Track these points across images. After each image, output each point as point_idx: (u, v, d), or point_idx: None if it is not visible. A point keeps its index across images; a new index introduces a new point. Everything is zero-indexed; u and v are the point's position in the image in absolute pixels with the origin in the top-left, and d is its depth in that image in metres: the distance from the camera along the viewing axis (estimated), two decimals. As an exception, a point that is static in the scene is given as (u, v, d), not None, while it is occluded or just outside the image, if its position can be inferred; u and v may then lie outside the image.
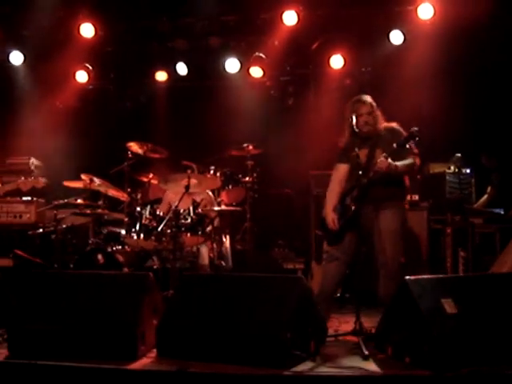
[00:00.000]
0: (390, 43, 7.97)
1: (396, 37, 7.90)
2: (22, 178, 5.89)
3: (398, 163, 4.83)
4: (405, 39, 7.87)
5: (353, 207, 4.89)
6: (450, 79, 7.80)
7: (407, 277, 4.18)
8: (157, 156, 7.29)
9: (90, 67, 8.91)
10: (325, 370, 3.91)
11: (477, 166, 7.36)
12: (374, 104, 5.19)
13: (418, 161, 5.10)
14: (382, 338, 4.31)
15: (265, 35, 8.38)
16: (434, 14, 7.47)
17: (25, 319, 4.38)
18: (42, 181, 5.97)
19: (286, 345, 3.88)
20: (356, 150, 4.89)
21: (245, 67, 8.65)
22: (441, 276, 5.38)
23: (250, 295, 4.22)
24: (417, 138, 4.80)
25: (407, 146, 4.86)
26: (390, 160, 4.74)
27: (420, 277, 4.25)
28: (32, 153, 8.49)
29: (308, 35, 8.33)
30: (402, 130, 5.14)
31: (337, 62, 8.39)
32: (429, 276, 4.63)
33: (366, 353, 4.16)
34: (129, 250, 6.52)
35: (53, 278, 4.76)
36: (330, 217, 5.08)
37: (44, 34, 8.48)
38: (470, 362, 3.71)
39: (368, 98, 5.20)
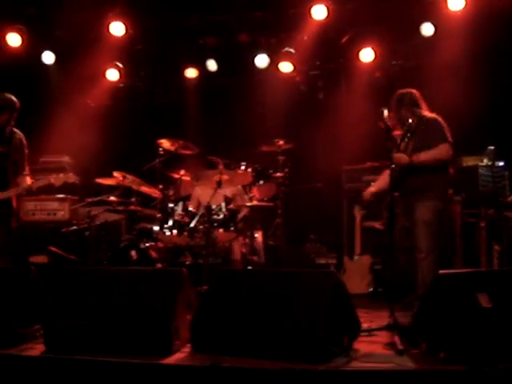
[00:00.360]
0: (421, 35, 7.90)
1: (427, 28, 7.82)
2: (54, 174, 5.98)
3: (422, 154, 4.84)
4: (436, 31, 7.78)
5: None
6: (482, 70, 7.69)
7: (441, 271, 4.15)
8: (188, 152, 7.31)
9: (121, 65, 8.98)
10: (359, 364, 3.89)
11: (510, 158, 7.26)
12: (407, 97, 5.18)
13: (445, 149, 5.09)
14: (416, 333, 4.27)
15: (294, 30, 8.35)
16: (466, 4, 7.37)
17: (60, 315, 4.43)
18: (74, 176, 6.06)
19: (320, 340, 3.87)
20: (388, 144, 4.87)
21: (274, 62, 8.64)
22: (475, 270, 5.32)
23: (283, 290, 4.22)
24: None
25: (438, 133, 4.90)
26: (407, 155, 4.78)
27: (454, 271, 4.22)
28: (65, 151, 8.61)
29: (337, 29, 8.28)
30: (438, 120, 5.16)
31: (367, 55, 8.33)
32: (463, 270, 4.59)
33: (401, 348, 4.13)
34: (161, 246, 6.56)
35: (87, 274, 4.80)
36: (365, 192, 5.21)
37: (75, 34, 8.57)
38: (507, 357, 3.67)
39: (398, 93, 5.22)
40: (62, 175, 5.96)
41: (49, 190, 7.87)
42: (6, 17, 8.45)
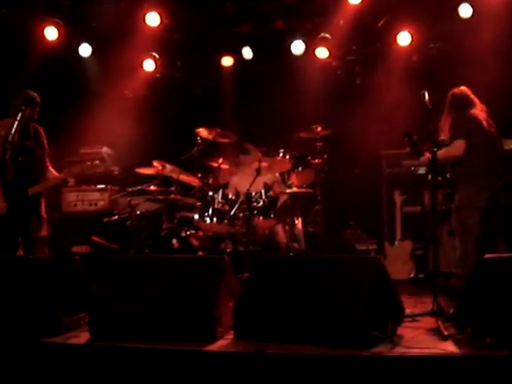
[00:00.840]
0: (459, 17, 7.74)
1: (465, 10, 7.65)
2: (88, 163, 6.17)
3: (439, 152, 4.86)
4: (473, 12, 7.63)
5: None
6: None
7: (486, 255, 4.09)
8: (226, 141, 7.31)
9: (157, 56, 9.01)
10: (403, 350, 3.86)
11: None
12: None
13: (457, 145, 5.19)
14: (460, 319, 4.23)
15: (330, 15, 8.26)
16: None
17: (105, 303, 4.49)
18: (102, 166, 6.26)
19: (364, 325, 3.85)
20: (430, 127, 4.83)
21: (310, 48, 8.57)
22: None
23: (325, 276, 4.21)
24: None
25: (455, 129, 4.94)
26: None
27: (498, 255, 4.15)
28: (104, 142, 8.70)
29: (374, 13, 8.15)
30: (461, 116, 5.19)
31: (404, 38, 8.20)
32: (507, 254, 4.52)
33: (445, 333, 4.09)
34: (202, 234, 6.59)
35: (131, 262, 4.86)
36: None
37: (111, 25, 8.62)
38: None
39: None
40: (94, 163, 6.16)
41: (89, 181, 8.02)
42: (43, 11, 8.55)
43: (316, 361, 3.75)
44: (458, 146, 5.21)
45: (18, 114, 5.77)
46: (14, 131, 5.67)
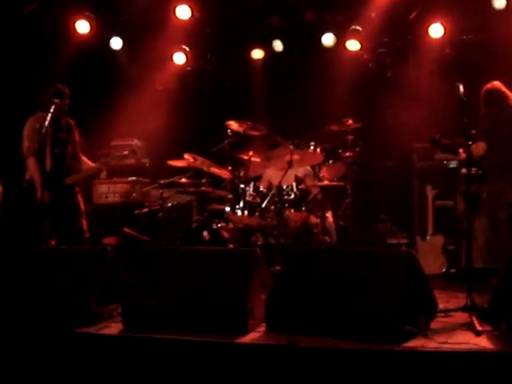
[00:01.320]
0: (492, 8, 7.63)
1: (499, 1, 7.54)
2: (120, 154, 6.47)
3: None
4: (507, 3, 7.51)
5: None
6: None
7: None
8: (256, 133, 7.30)
9: (187, 49, 9.04)
10: (436, 345, 3.82)
11: None
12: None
13: (476, 147, 5.17)
14: (495, 314, 4.17)
15: (361, 7, 8.21)
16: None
17: (137, 294, 4.51)
18: (134, 158, 6.43)
19: (396, 320, 3.82)
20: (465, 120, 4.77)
21: (341, 41, 8.53)
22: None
23: (358, 269, 4.18)
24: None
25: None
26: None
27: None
28: (135, 135, 8.76)
29: (406, 4, 8.09)
30: (482, 116, 5.15)
31: (436, 30, 8.11)
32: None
33: (479, 329, 4.04)
34: (233, 226, 6.60)
35: (163, 254, 4.87)
36: None
37: (141, 18, 8.67)
38: None
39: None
40: (122, 154, 6.47)
41: (120, 173, 8.08)
42: (74, 4, 8.62)
43: (348, 355, 3.73)
44: (480, 147, 5.25)
45: (50, 107, 5.88)
46: (48, 124, 5.78)
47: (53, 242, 5.89)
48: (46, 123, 5.76)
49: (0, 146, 7.89)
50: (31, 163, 6.03)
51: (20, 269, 4.96)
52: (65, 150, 6.15)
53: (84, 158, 6.45)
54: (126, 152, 6.65)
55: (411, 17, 8.20)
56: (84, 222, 6.27)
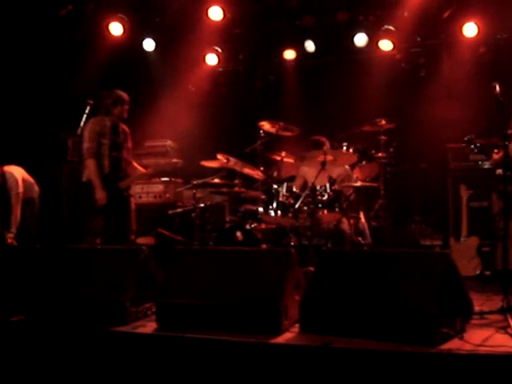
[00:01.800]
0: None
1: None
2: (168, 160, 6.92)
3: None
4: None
5: None
6: None
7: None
8: (288, 134, 7.30)
9: (220, 50, 9.07)
10: (473, 348, 3.78)
11: None
12: None
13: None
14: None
15: (393, 7, 8.17)
16: None
17: (171, 294, 4.54)
18: (180, 162, 6.73)
19: (433, 322, 3.79)
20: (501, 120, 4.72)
21: (373, 41, 8.49)
22: None
23: (392, 271, 4.16)
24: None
25: None
26: None
27: None
28: (168, 135, 8.82)
29: (439, 3, 8.03)
30: None
31: (470, 29, 8.02)
32: None
33: (516, 331, 4.01)
34: (266, 227, 6.60)
35: (198, 254, 4.90)
36: None
37: (174, 20, 8.72)
38: None
39: None
40: (169, 160, 6.83)
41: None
42: (107, 6, 8.72)
43: (383, 356, 3.72)
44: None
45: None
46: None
47: (97, 241, 6.00)
48: (81, 124, 5.99)
49: (39, 149, 8.00)
50: (91, 164, 6.14)
51: (56, 267, 5.03)
52: (120, 155, 6.33)
53: (135, 164, 6.64)
54: (177, 160, 6.78)
55: (444, 16, 8.12)
56: (133, 225, 6.43)
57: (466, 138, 5.64)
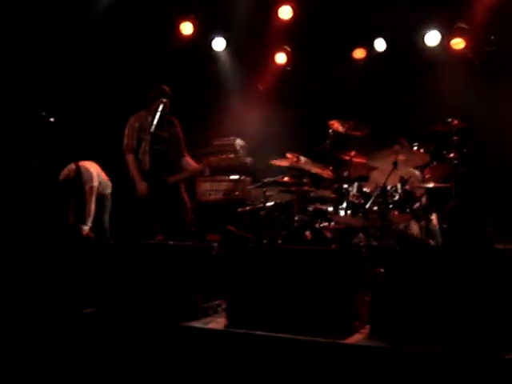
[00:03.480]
0: None
1: None
2: (224, 156, 6.77)
3: None
4: None
5: None
6: None
7: None
8: (358, 133, 7.23)
9: (289, 48, 9.09)
10: None
11: None
12: None
13: None
14: None
15: (467, 4, 8.02)
16: None
17: (240, 291, 4.57)
18: (237, 159, 7.13)
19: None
20: None
21: (446, 39, 8.35)
22: None
23: (468, 274, 4.05)
24: None
25: None
26: None
27: None
28: (237, 134, 8.89)
29: (513, 0, 7.84)
30: None
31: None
32: None
33: None
34: (335, 226, 6.57)
35: (267, 252, 4.90)
36: None
37: (244, 19, 8.78)
38: None
39: None
40: (225, 156, 6.67)
41: (223, 171, 8.24)
42: (178, 6, 8.85)
43: (455, 361, 3.65)
44: None
45: (159, 106, 6.21)
46: (157, 122, 6.04)
47: (160, 237, 6.09)
48: (155, 121, 6.08)
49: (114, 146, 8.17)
50: (129, 160, 6.31)
51: (128, 262, 5.13)
52: (166, 148, 6.33)
53: (188, 159, 6.60)
54: (232, 155, 6.81)
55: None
56: (190, 218, 6.47)
57: None
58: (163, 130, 6.32)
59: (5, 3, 7.88)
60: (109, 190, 7.93)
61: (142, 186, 6.20)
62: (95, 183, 7.65)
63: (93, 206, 7.58)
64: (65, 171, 7.76)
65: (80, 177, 7.64)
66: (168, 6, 8.85)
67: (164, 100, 6.24)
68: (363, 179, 6.98)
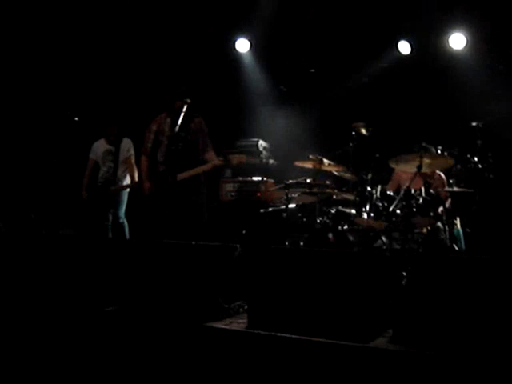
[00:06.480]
0: None
1: None
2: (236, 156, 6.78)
3: None
4: None
5: None
6: None
7: None
8: (382, 136, 7.23)
9: (311, 51, 9.08)
10: None
11: None
12: None
13: None
14: None
15: (491, 7, 7.95)
16: None
17: (262, 292, 4.58)
18: (257, 158, 7.60)
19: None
20: None
21: (471, 42, 8.30)
22: None
23: (495, 280, 4.00)
24: None
25: None
26: None
27: None
28: (260, 135, 8.90)
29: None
30: None
31: None
32: None
33: None
34: (358, 229, 6.54)
35: (290, 254, 4.90)
36: None
37: (268, 21, 8.79)
38: None
39: None
40: (237, 156, 6.75)
41: (246, 172, 8.26)
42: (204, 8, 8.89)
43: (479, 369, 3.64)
44: None
45: (182, 107, 6.32)
46: (181, 123, 6.18)
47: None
48: (179, 122, 6.20)
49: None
50: (140, 161, 6.75)
51: (149, 260, 5.15)
52: (183, 147, 6.37)
53: (211, 155, 6.72)
54: (243, 155, 6.86)
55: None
56: (203, 217, 6.60)
57: None
58: (182, 129, 6.39)
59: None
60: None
61: (145, 185, 6.55)
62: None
63: (135, 175, 7.67)
64: None
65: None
66: (192, 8, 8.89)
67: (188, 100, 6.31)
68: (386, 182, 6.96)
